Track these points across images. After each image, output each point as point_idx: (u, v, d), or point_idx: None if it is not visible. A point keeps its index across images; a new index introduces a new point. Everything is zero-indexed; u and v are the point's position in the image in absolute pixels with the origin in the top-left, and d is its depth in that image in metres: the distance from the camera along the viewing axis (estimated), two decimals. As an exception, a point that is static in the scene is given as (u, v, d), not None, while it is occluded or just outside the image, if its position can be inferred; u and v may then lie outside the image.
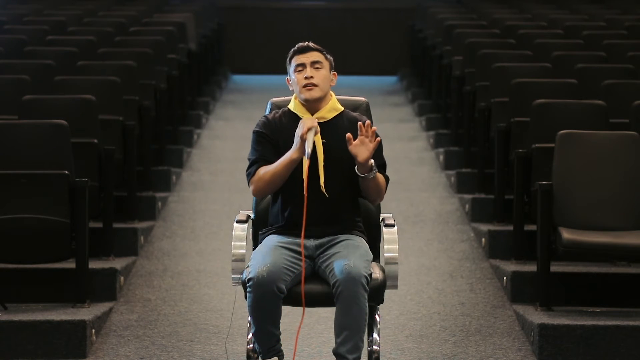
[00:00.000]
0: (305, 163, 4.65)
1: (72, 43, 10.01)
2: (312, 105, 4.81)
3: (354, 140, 4.64)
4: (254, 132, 4.85)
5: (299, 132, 4.67)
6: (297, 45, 4.86)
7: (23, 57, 9.40)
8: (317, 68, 4.79)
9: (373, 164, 4.67)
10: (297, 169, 4.71)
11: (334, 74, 4.87)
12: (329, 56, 4.87)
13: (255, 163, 4.78)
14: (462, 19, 13.44)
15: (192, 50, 12.14)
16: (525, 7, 14.21)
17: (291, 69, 4.84)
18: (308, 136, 4.66)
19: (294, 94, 4.88)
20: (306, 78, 4.77)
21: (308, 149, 4.64)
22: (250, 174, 4.79)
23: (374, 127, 4.64)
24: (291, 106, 4.86)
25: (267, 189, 4.78)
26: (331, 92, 4.88)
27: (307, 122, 4.68)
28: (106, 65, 8.98)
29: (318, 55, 4.82)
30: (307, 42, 4.86)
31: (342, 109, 4.87)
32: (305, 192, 4.65)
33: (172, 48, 11.06)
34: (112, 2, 14.34)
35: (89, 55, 9.60)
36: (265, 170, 4.73)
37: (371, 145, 4.63)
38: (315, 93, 4.77)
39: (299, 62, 4.80)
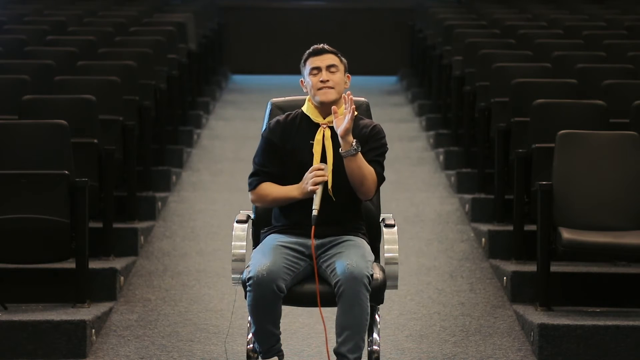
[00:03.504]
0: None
1: (72, 43, 10.01)
2: (325, 109, 4.77)
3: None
4: (263, 137, 4.83)
5: (308, 179, 4.65)
6: (312, 48, 4.83)
7: (23, 57, 9.40)
8: (333, 72, 4.77)
9: (354, 143, 4.63)
10: (304, 169, 4.70)
11: (347, 76, 4.85)
12: (343, 59, 4.85)
13: (258, 175, 4.78)
14: (462, 19, 13.44)
15: (192, 50, 12.14)
16: (525, 7, 14.21)
17: (306, 71, 4.81)
18: (316, 194, 4.65)
19: (308, 97, 4.86)
20: (322, 82, 4.75)
21: (315, 212, 4.63)
22: (251, 184, 4.80)
23: (351, 97, 4.61)
24: (304, 109, 4.84)
25: (265, 206, 4.87)
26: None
27: (314, 180, 4.64)
28: (106, 65, 8.98)
29: (333, 59, 4.80)
30: (322, 45, 4.83)
31: (355, 113, 4.85)
32: (312, 248, 4.66)
33: (172, 48, 11.06)
34: (112, 2, 14.34)
35: (89, 55, 9.60)
36: (267, 192, 4.76)
37: (348, 116, 4.60)
38: (331, 95, 4.75)
39: (314, 65, 4.78)
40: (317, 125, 4.78)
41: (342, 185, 4.73)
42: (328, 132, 4.76)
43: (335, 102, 4.76)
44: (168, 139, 9.48)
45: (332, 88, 4.76)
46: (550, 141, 6.47)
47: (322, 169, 4.68)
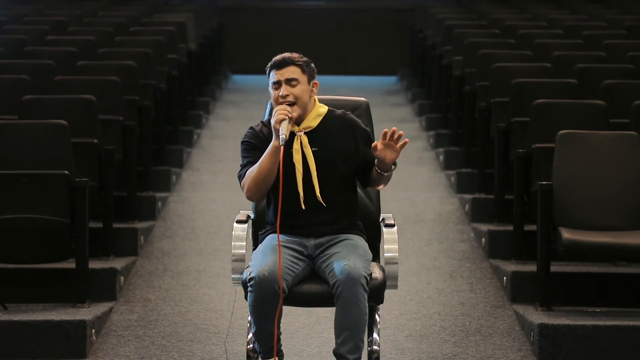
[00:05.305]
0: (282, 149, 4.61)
1: (72, 43, 10.02)
2: (296, 118, 4.75)
3: (377, 146, 4.60)
4: (243, 142, 4.84)
5: (273, 122, 4.64)
6: (274, 59, 4.76)
7: (23, 57, 9.40)
8: (293, 85, 4.71)
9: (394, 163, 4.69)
10: (285, 177, 4.66)
11: (314, 83, 4.78)
12: (307, 68, 4.76)
13: (245, 167, 4.77)
14: (462, 19, 13.44)
15: (192, 50, 12.14)
16: (525, 7, 14.21)
17: (269, 82, 4.78)
18: (282, 125, 4.61)
19: None
20: (281, 97, 4.71)
21: (282, 135, 4.59)
22: (241, 177, 4.78)
23: (400, 132, 4.61)
24: None
25: (257, 187, 4.68)
26: (315, 97, 4.82)
27: (279, 113, 4.62)
28: (106, 65, 8.98)
29: (293, 71, 4.72)
30: (284, 55, 4.76)
31: (326, 110, 4.81)
32: (280, 183, 4.60)
33: (172, 48, 11.06)
34: (112, 2, 14.35)
35: (89, 55, 9.60)
36: (252, 170, 4.70)
37: (398, 147, 4.61)
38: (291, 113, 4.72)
39: (275, 79, 4.73)
40: (292, 133, 4.74)
41: (328, 189, 4.71)
42: (305, 140, 4.73)
43: (298, 116, 4.72)
44: (168, 139, 9.49)
45: (294, 104, 4.70)
46: (550, 141, 6.47)
47: (285, 110, 4.63)
